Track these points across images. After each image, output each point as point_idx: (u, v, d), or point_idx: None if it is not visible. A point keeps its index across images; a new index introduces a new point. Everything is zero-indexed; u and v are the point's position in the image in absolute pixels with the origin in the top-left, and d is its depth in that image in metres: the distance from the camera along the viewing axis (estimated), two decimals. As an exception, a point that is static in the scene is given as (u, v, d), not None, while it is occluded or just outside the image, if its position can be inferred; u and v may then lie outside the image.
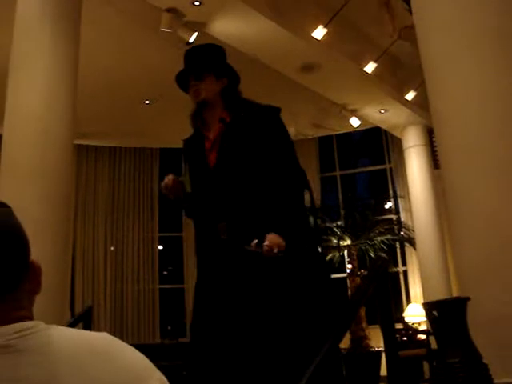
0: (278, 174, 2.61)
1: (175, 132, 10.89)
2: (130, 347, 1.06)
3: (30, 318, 1.04)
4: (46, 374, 0.94)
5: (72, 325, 4.19)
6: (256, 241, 2.44)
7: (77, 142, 5.53)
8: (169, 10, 6.75)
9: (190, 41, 7.06)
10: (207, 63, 2.82)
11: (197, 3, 6.60)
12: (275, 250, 2.40)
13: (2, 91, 5.21)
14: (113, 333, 8.68)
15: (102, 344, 1.03)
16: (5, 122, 5.04)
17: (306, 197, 2.82)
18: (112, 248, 11.90)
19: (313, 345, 2.42)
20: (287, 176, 2.64)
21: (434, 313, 2.88)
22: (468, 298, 2.91)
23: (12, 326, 0.99)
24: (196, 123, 2.89)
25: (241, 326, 2.50)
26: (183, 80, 2.90)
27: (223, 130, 2.73)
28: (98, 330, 10.26)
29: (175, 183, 2.78)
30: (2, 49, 6.10)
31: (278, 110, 2.82)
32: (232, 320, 2.52)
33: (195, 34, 7.00)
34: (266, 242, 2.42)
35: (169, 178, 2.77)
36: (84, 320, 4.47)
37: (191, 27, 6.98)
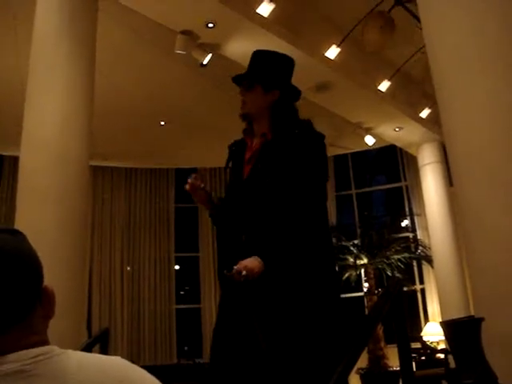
0: (300, 199, 2.51)
1: (190, 152, 11.04)
2: (144, 372, 1.07)
3: (45, 343, 1.05)
4: None
5: (89, 346, 4.19)
6: (235, 267, 2.39)
7: (93, 163, 5.56)
8: (183, 32, 6.81)
9: (204, 62, 7.12)
10: (257, 72, 2.69)
11: (210, 25, 6.66)
12: (243, 273, 2.35)
13: (19, 114, 5.25)
14: (130, 353, 8.68)
15: (117, 368, 1.04)
16: (22, 144, 5.08)
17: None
18: (128, 268, 11.92)
19: (322, 366, 2.41)
20: (307, 202, 2.53)
21: (450, 332, 2.87)
22: (482, 319, 2.89)
23: (27, 351, 1.00)
24: (246, 129, 2.78)
25: (254, 345, 2.45)
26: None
27: (262, 147, 2.65)
28: (115, 350, 10.28)
29: (193, 188, 2.72)
30: (20, 71, 6.19)
31: (323, 137, 2.70)
32: (246, 338, 2.49)
33: (209, 55, 7.05)
34: (236, 266, 2.38)
35: (189, 182, 2.72)
36: (101, 341, 4.47)
37: (205, 49, 7.04)
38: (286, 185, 2.53)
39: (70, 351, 1.04)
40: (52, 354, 1.01)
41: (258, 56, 2.77)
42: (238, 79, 2.76)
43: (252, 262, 2.39)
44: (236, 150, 2.80)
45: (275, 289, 2.46)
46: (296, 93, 2.78)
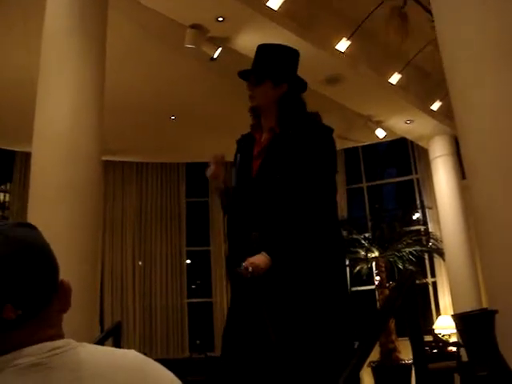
0: (309, 194, 2.53)
1: (201, 147, 11.04)
2: (159, 365, 1.07)
3: (61, 337, 1.06)
4: None
5: (102, 340, 4.22)
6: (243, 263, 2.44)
7: (104, 158, 5.57)
8: (193, 27, 6.80)
9: (214, 56, 7.12)
10: (266, 67, 2.70)
11: (220, 19, 6.66)
12: (249, 269, 2.41)
13: (31, 111, 5.27)
14: (142, 347, 8.71)
15: (133, 362, 1.05)
16: (33, 140, 5.10)
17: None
18: (140, 263, 11.97)
19: (331, 359, 2.44)
20: (317, 197, 2.55)
21: (462, 324, 2.86)
22: (496, 311, 2.88)
23: (44, 344, 1.01)
24: (252, 125, 2.80)
25: (265, 340, 2.47)
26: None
27: (270, 142, 2.66)
28: (128, 344, 10.32)
29: (215, 173, 2.75)
30: (30, 67, 6.20)
31: (331, 130, 2.71)
32: (258, 333, 2.51)
33: (219, 49, 7.05)
34: (244, 263, 2.42)
35: (213, 162, 2.75)
36: (114, 335, 4.50)
37: (215, 42, 7.03)
38: (295, 180, 2.53)
39: (85, 344, 1.05)
40: (68, 347, 1.02)
41: (264, 50, 2.78)
42: (244, 74, 2.76)
43: (259, 259, 2.42)
44: (244, 144, 2.81)
45: (283, 283, 2.48)
46: (303, 84, 2.79)
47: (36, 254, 1.05)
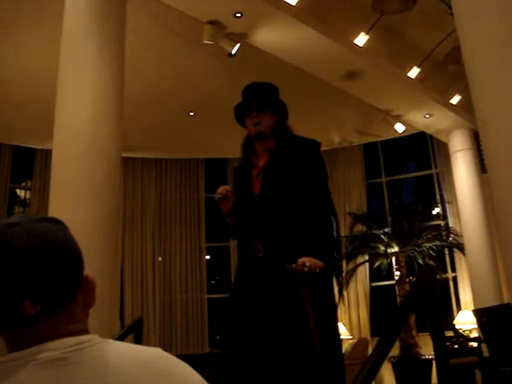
0: (311, 204, 2.88)
1: (219, 142, 11.07)
2: (185, 364, 1.07)
3: (86, 332, 1.07)
4: None
5: (123, 336, 4.24)
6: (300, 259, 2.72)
7: (123, 154, 5.60)
8: (210, 23, 6.80)
9: (233, 52, 7.11)
10: (268, 99, 3.11)
11: (238, 15, 6.65)
12: (307, 264, 2.68)
13: (51, 108, 5.31)
14: (162, 343, 8.76)
15: (158, 360, 1.04)
16: (54, 137, 5.13)
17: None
18: (160, 259, 12.01)
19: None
20: (318, 205, 2.90)
21: (484, 320, 2.84)
22: (519, 305, 2.86)
23: (68, 339, 1.02)
24: (247, 152, 3.18)
25: (270, 338, 2.74)
26: (240, 112, 3.22)
27: (269, 161, 3.02)
28: (148, 340, 10.38)
29: (226, 193, 3.02)
30: (50, 66, 6.24)
31: (318, 144, 3.07)
32: (262, 332, 2.77)
33: (237, 45, 7.05)
34: (301, 260, 2.70)
35: (222, 189, 3.04)
36: (135, 331, 4.52)
37: (233, 38, 7.03)
38: (299, 192, 2.89)
39: (110, 341, 1.05)
40: (93, 343, 1.02)
41: (259, 87, 3.19)
42: (243, 106, 3.18)
43: (315, 260, 2.72)
44: (243, 171, 3.18)
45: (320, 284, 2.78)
46: (287, 115, 3.18)
47: (57, 249, 1.05)
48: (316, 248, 2.77)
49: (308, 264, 2.67)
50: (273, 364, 2.69)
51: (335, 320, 2.91)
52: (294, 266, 2.70)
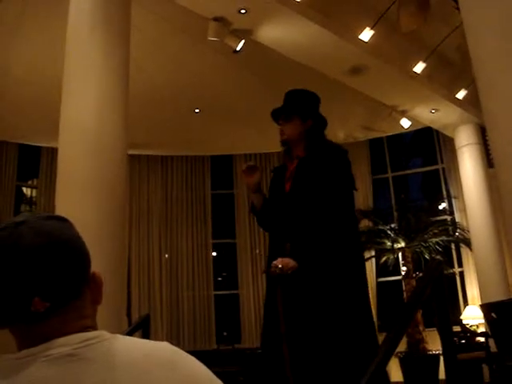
0: (331, 208, 2.99)
1: (225, 139, 11.07)
2: (193, 358, 1.08)
3: (94, 328, 1.08)
4: (109, 383, 0.96)
5: (130, 332, 4.25)
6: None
7: (129, 152, 5.60)
8: (215, 19, 6.80)
9: (238, 48, 7.11)
10: (295, 106, 3.28)
11: (243, 11, 6.64)
12: (279, 266, 2.85)
13: (56, 106, 5.31)
14: (169, 339, 8.78)
15: (167, 354, 1.05)
16: (59, 135, 5.13)
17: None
18: (166, 255, 12.03)
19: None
20: (332, 211, 3.00)
21: (493, 315, 2.83)
22: (526, 300, 2.85)
23: (77, 335, 1.02)
24: (285, 156, 3.37)
25: (295, 336, 2.89)
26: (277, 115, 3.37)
27: (297, 166, 3.21)
28: (155, 336, 10.39)
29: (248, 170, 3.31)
30: (55, 63, 6.25)
31: (345, 152, 3.21)
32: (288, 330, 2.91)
33: (242, 41, 7.04)
34: (274, 262, 2.89)
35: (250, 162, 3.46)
36: (142, 328, 4.53)
37: (238, 35, 7.02)
38: (321, 196, 3.02)
39: (118, 336, 1.06)
40: (102, 339, 1.03)
41: (292, 94, 3.35)
42: (276, 113, 3.34)
43: (287, 260, 2.87)
44: (278, 172, 3.40)
45: (307, 287, 2.90)
46: (324, 121, 3.36)
47: (64, 247, 1.06)
48: (309, 249, 2.93)
49: (279, 266, 2.85)
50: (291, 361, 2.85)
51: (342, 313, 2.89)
52: (270, 268, 2.90)
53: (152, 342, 1.08)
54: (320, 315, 2.86)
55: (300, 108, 3.28)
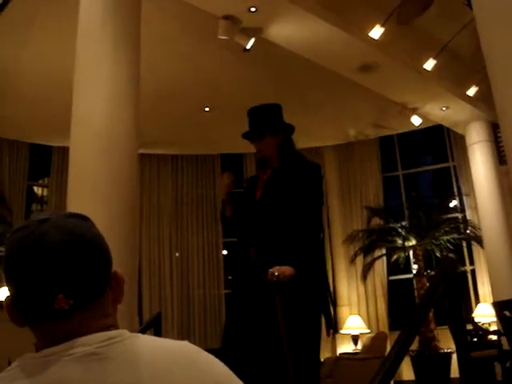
0: (302, 217, 3.16)
1: (235, 137, 11.01)
2: (212, 357, 1.09)
3: (116, 327, 1.09)
4: (132, 381, 0.97)
5: (142, 331, 4.26)
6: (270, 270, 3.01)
7: (140, 151, 5.61)
8: (225, 18, 6.80)
9: (248, 47, 7.11)
10: (265, 124, 3.43)
11: (253, 9, 6.64)
12: (276, 273, 2.95)
13: (67, 105, 5.32)
14: (180, 338, 8.77)
15: (186, 353, 1.06)
16: (71, 135, 5.15)
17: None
18: (177, 254, 12.04)
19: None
20: (308, 221, 3.18)
21: (505, 312, 2.82)
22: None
23: (100, 334, 1.03)
24: (257, 169, 3.53)
25: (262, 337, 3.08)
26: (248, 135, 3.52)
27: (271, 175, 3.38)
28: (166, 334, 10.41)
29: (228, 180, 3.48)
30: (65, 62, 6.26)
31: (319, 167, 3.41)
32: (255, 331, 3.10)
33: (252, 39, 7.04)
34: (271, 270, 2.98)
35: (228, 174, 3.51)
36: (154, 326, 4.54)
37: (248, 33, 7.02)
38: (292, 205, 3.19)
39: (140, 335, 1.07)
40: (123, 337, 1.04)
41: (257, 111, 3.53)
42: (248, 135, 3.50)
43: (286, 268, 2.99)
44: (251, 180, 3.56)
45: (299, 291, 3.05)
46: (292, 129, 3.51)
47: (88, 244, 1.07)
48: (296, 258, 3.05)
49: (276, 274, 2.95)
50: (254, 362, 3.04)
51: (314, 326, 3.11)
52: (266, 275, 2.99)
53: (172, 341, 1.09)
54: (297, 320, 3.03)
55: (269, 124, 3.43)
